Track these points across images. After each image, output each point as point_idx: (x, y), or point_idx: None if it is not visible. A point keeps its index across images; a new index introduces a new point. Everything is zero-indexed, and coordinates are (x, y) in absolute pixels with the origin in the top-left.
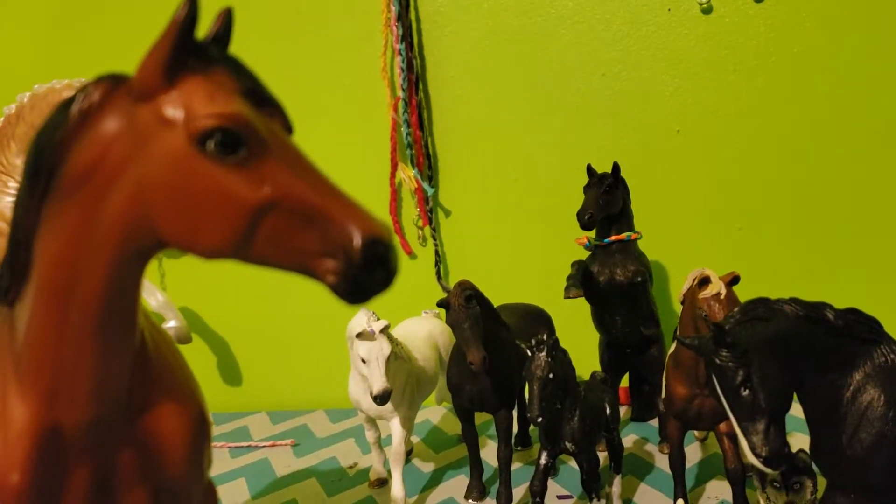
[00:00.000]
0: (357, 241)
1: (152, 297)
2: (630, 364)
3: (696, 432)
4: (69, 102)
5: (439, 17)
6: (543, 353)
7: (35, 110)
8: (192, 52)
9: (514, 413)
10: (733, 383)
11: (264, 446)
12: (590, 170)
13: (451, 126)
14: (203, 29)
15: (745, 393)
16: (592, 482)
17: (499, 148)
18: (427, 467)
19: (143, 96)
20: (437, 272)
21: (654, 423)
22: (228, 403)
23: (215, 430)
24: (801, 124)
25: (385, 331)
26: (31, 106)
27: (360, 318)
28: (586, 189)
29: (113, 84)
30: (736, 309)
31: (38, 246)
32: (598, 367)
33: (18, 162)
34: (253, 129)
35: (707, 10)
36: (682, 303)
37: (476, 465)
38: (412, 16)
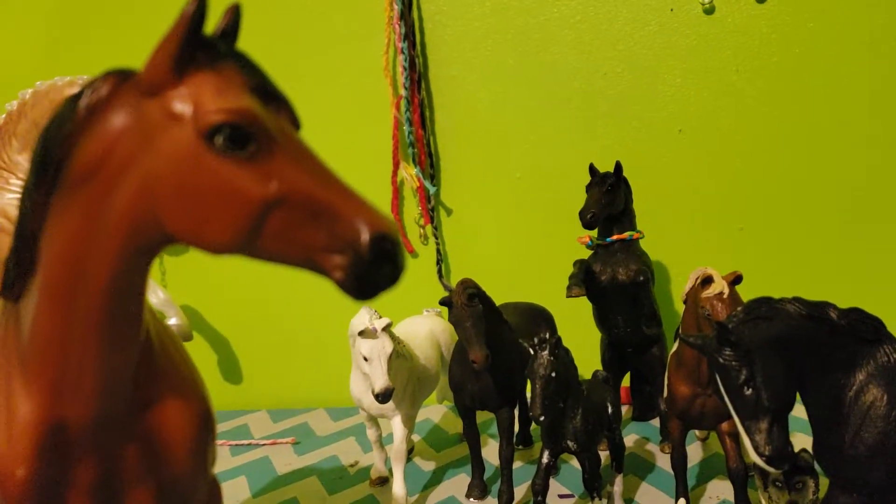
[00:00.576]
0: (365, 236)
1: (153, 294)
2: (631, 363)
3: (697, 432)
4: (77, 97)
5: (441, 16)
6: (546, 352)
7: (37, 107)
8: (200, 47)
9: (516, 412)
10: (736, 382)
11: (265, 444)
12: (592, 169)
13: (453, 125)
14: (210, 25)
15: (749, 392)
16: (594, 481)
17: (501, 147)
18: (428, 466)
19: (151, 91)
20: (439, 271)
21: (656, 422)
22: (229, 401)
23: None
24: (802, 125)
25: (387, 329)
26: (34, 103)
27: (363, 316)
28: (589, 188)
29: (121, 79)
30: (739, 308)
31: (45, 240)
32: (599, 367)
33: (20, 159)
34: (261, 125)
35: (709, 11)
36: (685, 302)
37: (477, 463)
38: (415, 14)
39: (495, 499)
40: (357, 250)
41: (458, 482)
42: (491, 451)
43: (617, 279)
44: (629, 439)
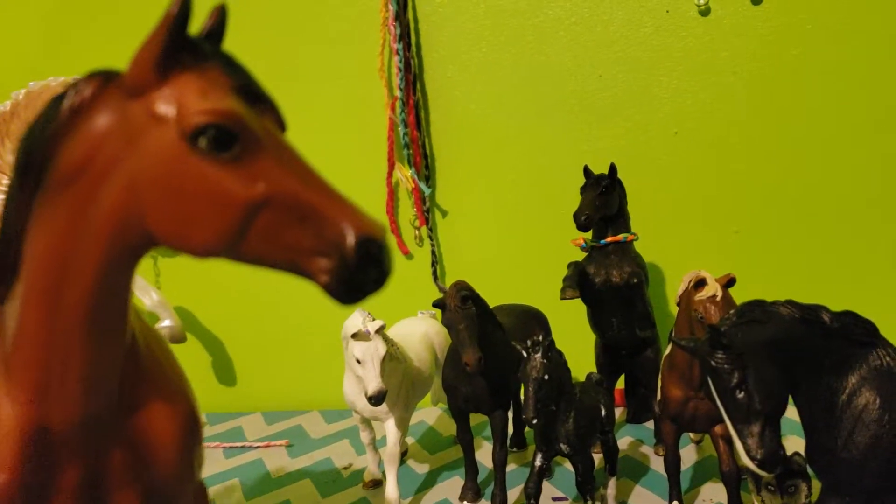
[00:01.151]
0: (351, 239)
1: (147, 296)
2: (626, 366)
3: (691, 434)
4: (60, 98)
5: (437, 17)
6: (539, 355)
7: (30, 108)
8: (184, 47)
9: (510, 414)
10: (728, 385)
11: (258, 447)
12: (587, 171)
13: (448, 126)
14: (195, 25)
15: (741, 395)
16: (587, 484)
17: (496, 148)
18: (422, 468)
19: (134, 92)
20: (434, 272)
21: (650, 425)
22: (223, 403)
23: (209, 431)
24: (798, 127)
25: (380, 331)
26: (27, 104)
27: (356, 319)
28: (583, 190)
29: (104, 80)
30: (732, 311)
31: (28, 243)
32: (593, 369)
33: (12, 159)
34: (246, 126)
35: (705, 12)
36: (678, 305)
37: (471, 466)
38: (410, 16)
39: (488, 502)
40: (343, 253)
41: (452, 485)
42: (484, 454)
43: (611, 281)
44: (623, 442)
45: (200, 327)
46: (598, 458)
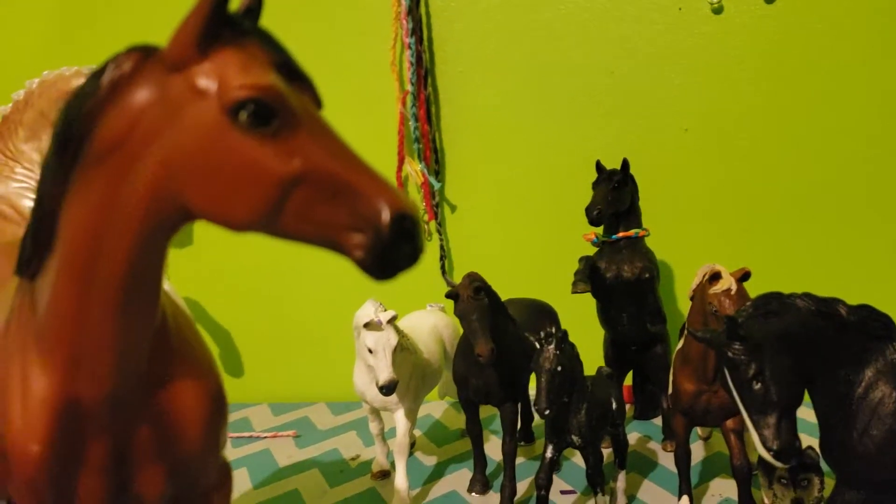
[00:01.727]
0: (386, 215)
1: None
2: (634, 362)
3: (699, 431)
4: (99, 73)
5: (449, 12)
6: (552, 346)
7: (44, 97)
8: (225, 23)
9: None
10: (745, 376)
11: (266, 437)
12: (599, 166)
13: (458, 121)
14: (234, 3)
15: (757, 386)
16: (597, 477)
17: (506, 143)
18: (430, 461)
19: (175, 67)
20: (442, 267)
21: (658, 421)
22: (230, 394)
23: None
24: (808, 126)
25: (392, 321)
26: (40, 93)
27: (368, 309)
28: (595, 185)
29: (144, 54)
30: (748, 303)
31: (64, 217)
32: (602, 364)
33: (26, 148)
34: (285, 102)
35: (718, 10)
36: (692, 298)
37: (480, 458)
38: (422, 10)
39: (497, 493)
40: (378, 229)
41: (460, 477)
42: (492, 448)
43: (622, 276)
44: (631, 438)
45: (208, 318)
46: (606, 452)
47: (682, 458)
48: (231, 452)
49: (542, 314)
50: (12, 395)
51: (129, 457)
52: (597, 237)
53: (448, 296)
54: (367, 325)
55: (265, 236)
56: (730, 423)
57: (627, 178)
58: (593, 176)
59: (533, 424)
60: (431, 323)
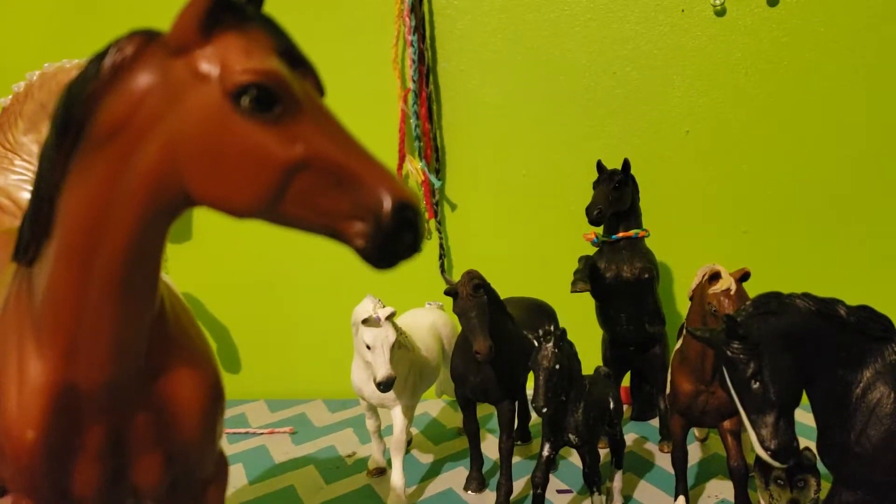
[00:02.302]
0: (387, 204)
1: None
2: (632, 362)
3: (696, 432)
4: (101, 56)
5: (452, 11)
6: (551, 344)
7: (44, 89)
8: (227, 8)
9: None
10: (744, 375)
11: (263, 433)
12: (600, 166)
13: (460, 119)
14: None
15: (756, 385)
16: (594, 476)
17: (507, 142)
18: (426, 458)
19: (177, 51)
20: (441, 265)
21: (655, 422)
22: (227, 390)
23: None
24: (809, 128)
25: (391, 318)
26: (40, 85)
27: (366, 305)
28: (596, 185)
29: (146, 38)
30: (748, 303)
31: (62, 202)
32: (600, 364)
33: (25, 140)
34: (288, 88)
35: (721, 13)
36: (691, 298)
37: (476, 456)
38: (425, 8)
39: (493, 492)
40: (379, 218)
41: (456, 475)
42: (488, 446)
43: (622, 276)
44: (628, 438)
45: (206, 315)
46: (603, 452)
47: (680, 459)
48: (227, 448)
49: (541, 313)
50: (9, 381)
51: (126, 445)
52: (597, 237)
53: (447, 293)
54: (365, 322)
55: (265, 224)
56: (727, 423)
57: (628, 179)
58: (594, 175)
59: (530, 423)
60: (430, 321)
